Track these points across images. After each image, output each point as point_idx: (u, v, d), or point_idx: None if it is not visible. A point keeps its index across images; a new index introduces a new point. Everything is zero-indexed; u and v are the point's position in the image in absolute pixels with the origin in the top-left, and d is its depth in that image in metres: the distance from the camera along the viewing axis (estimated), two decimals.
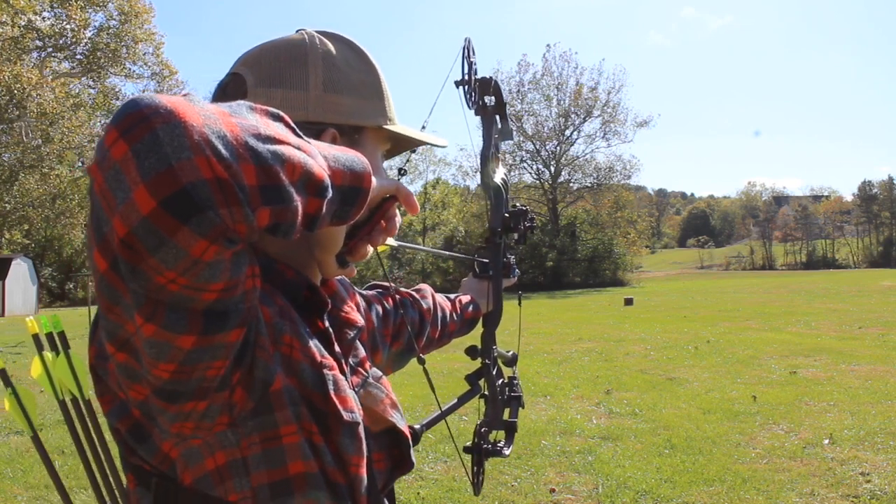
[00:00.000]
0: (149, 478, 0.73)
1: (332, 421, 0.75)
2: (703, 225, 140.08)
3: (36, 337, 1.61)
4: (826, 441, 5.19)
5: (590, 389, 7.56)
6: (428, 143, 0.97)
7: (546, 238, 40.87)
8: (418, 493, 4.36)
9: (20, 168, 29.80)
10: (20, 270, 29.99)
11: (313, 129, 0.82)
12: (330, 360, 0.78)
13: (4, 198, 29.84)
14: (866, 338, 10.91)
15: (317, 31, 0.88)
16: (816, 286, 28.41)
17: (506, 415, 1.38)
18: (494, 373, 1.33)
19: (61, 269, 41.63)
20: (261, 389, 0.70)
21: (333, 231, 0.77)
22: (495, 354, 1.34)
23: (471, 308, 1.43)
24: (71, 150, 31.02)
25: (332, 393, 0.75)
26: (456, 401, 1.28)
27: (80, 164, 33.50)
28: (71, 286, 42.28)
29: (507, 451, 1.34)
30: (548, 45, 45.64)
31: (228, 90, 0.84)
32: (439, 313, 1.35)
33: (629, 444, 5.34)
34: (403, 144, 0.99)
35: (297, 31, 0.88)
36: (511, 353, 1.48)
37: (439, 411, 1.18)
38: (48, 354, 1.58)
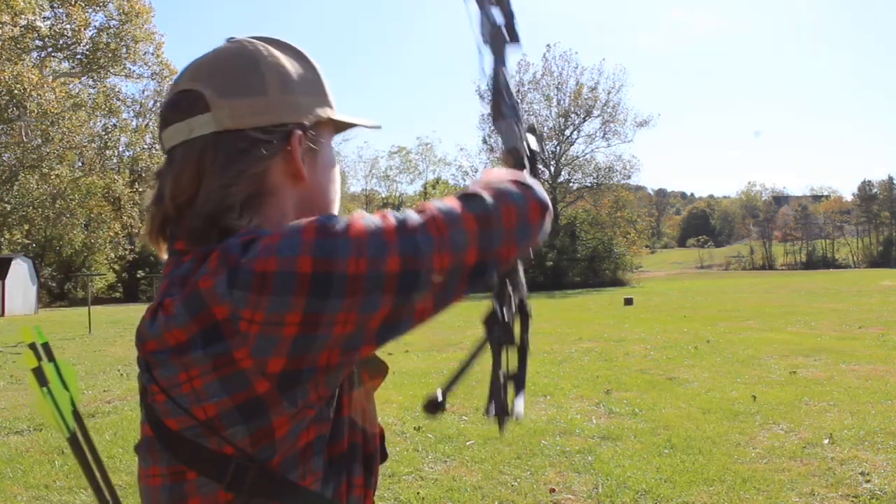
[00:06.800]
0: (225, 463, 0.72)
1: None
2: (702, 225, 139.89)
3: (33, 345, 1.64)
4: (826, 441, 5.20)
5: (590, 389, 7.56)
6: (361, 125, 0.97)
7: (546, 238, 40.77)
8: (418, 493, 4.35)
9: (20, 168, 29.77)
10: (20, 270, 29.93)
11: (280, 132, 0.83)
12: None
13: (4, 198, 29.79)
14: (866, 338, 10.92)
15: (250, 38, 0.88)
16: (816, 286, 28.43)
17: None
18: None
19: (61, 269, 41.53)
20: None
21: None
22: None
23: None
24: (71, 150, 30.99)
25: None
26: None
27: (79, 163, 33.49)
28: (71, 286, 42.24)
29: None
30: (548, 45, 45.40)
31: (183, 106, 0.83)
32: None
33: (629, 444, 5.34)
34: (339, 129, 1.00)
35: (227, 40, 0.88)
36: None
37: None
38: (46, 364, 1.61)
